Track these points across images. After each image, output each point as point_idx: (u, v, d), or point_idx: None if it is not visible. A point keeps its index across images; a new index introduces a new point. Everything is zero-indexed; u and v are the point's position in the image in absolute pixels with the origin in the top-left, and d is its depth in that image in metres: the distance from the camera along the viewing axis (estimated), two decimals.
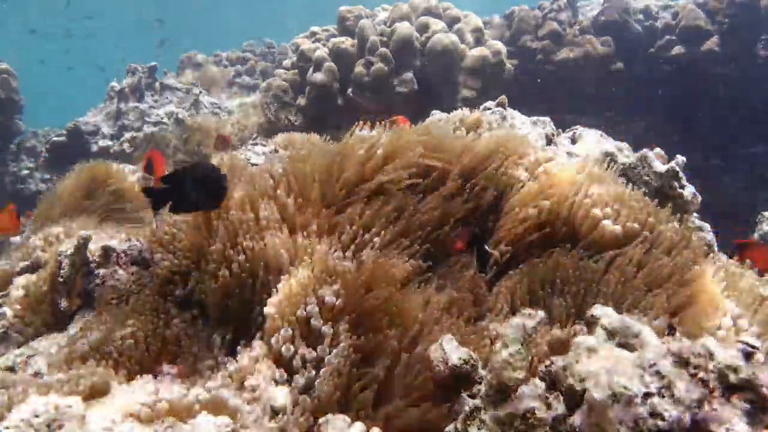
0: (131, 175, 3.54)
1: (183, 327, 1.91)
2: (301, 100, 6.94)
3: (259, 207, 2.02)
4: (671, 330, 1.43)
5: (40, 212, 3.33)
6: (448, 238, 2.10)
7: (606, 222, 1.99)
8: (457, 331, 1.77)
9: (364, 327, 1.71)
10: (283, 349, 1.65)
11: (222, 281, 1.87)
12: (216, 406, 1.53)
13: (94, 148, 8.06)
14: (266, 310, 1.76)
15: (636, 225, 1.96)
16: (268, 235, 1.93)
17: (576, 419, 1.18)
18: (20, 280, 2.52)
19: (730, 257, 2.32)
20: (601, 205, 2.02)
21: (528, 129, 3.25)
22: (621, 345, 1.28)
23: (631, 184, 2.84)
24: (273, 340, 1.68)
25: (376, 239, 1.97)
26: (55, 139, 8.28)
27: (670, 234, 1.96)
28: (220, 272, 1.88)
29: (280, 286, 1.79)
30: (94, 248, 2.33)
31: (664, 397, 1.11)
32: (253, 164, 2.78)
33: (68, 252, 2.33)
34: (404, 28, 6.56)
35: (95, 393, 1.55)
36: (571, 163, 2.35)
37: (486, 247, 2.06)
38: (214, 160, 2.31)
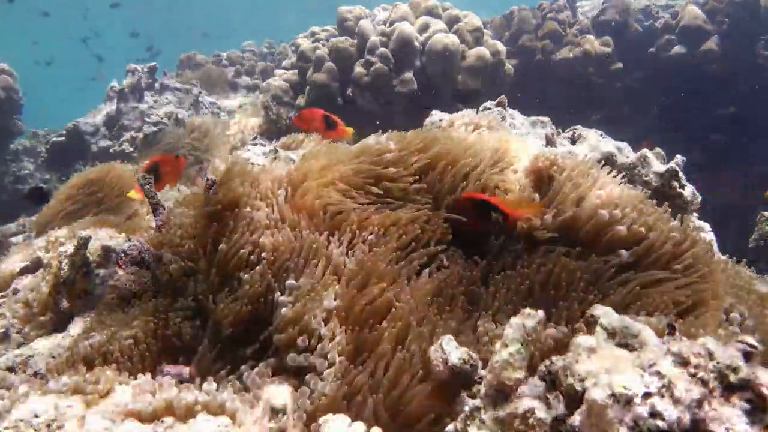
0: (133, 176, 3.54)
1: (188, 328, 1.91)
2: (301, 100, 6.94)
3: (260, 206, 2.02)
4: (671, 330, 1.43)
5: (43, 213, 3.34)
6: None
7: (612, 221, 1.98)
8: (458, 331, 1.77)
9: (360, 325, 1.72)
10: (289, 359, 1.68)
11: (247, 290, 1.87)
12: (216, 407, 1.53)
13: (94, 148, 8.06)
14: (281, 315, 1.77)
15: (642, 227, 1.95)
16: (268, 234, 1.94)
17: (576, 419, 1.18)
18: (21, 281, 2.52)
19: None
20: (607, 206, 2.01)
21: (527, 129, 3.25)
22: (621, 345, 1.29)
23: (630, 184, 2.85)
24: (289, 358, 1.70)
25: (371, 237, 1.97)
26: (55, 139, 8.28)
27: (674, 234, 1.95)
28: (238, 273, 1.89)
29: (288, 283, 1.80)
30: (94, 248, 2.33)
31: (664, 397, 1.11)
32: (253, 164, 2.78)
33: (68, 252, 2.34)
34: (404, 28, 6.56)
35: (98, 393, 1.55)
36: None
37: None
38: (217, 161, 2.31)
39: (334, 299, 1.77)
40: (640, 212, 1.98)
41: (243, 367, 1.78)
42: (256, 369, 1.73)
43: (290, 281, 1.81)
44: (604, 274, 1.89)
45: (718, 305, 1.76)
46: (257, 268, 1.87)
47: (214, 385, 1.63)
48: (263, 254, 1.89)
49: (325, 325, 1.72)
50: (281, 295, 1.81)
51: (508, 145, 2.30)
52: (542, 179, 2.18)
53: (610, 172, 2.19)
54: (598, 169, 2.19)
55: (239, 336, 1.86)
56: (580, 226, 2.02)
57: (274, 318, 1.79)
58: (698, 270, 1.86)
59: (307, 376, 1.63)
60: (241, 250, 1.91)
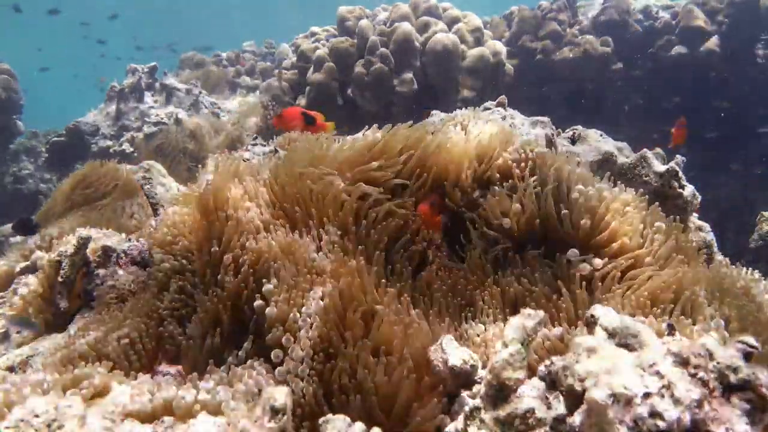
0: (132, 175, 3.54)
1: (179, 328, 1.91)
2: (301, 100, 6.94)
3: (249, 207, 2.04)
4: (671, 330, 1.43)
5: (41, 212, 3.33)
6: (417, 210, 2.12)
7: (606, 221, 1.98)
8: (443, 330, 1.77)
9: (342, 324, 1.72)
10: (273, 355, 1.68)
11: (230, 286, 1.88)
12: (215, 407, 1.53)
13: (94, 148, 8.06)
14: (267, 312, 1.77)
15: (627, 236, 1.94)
16: (255, 235, 1.95)
17: (576, 419, 1.18)
18: (21, 281, 2.52)
19: None
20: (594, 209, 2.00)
21: (527, 129, 3.25)
22: (621, 345, 1.29)
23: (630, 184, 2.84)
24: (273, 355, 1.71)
25: (335, 238, 1.98)
26: (55, 139, 8.28)
27: (662, 234, 1.93)
28: (223, 277, 1.89)
29: (269, 288, 1.81)
30: (94, 248, 2.33)
31: (663, 397, 1.11)
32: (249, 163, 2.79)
33: (68, 252, 2.34)
34: (404, 28, 6.56)
35: (96, 393, 1.55)
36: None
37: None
38: (211, 160, 2.32)
39: (318, 298, 1.77)
40: (625, 216, 1.97)
41: (235, 362, 1.79)
42: (256, 369, 1.73)
43: (267, 286, 1.81)
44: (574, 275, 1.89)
45: (698, 307, 1.72)
46: (243, 269, 1.90)
47: (212, 383, 1.63)
48: (246, 257, 1.92)
49: (309, 323, 1.72)
50: (262, 297, 1.82)
51: (493, 142, 2.30)
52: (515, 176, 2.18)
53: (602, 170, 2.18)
54: (575, 165, 2.17)
55: (231, 335, 1.88)
56: (564, 229, 2.01)
57: (265, 318, 1.81)
58: (685, 270, 1.83)
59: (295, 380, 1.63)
60: (227, 254, 1.93)
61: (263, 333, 1.78)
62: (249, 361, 1.75)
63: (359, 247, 1.96)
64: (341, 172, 2.16)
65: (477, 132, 2.37)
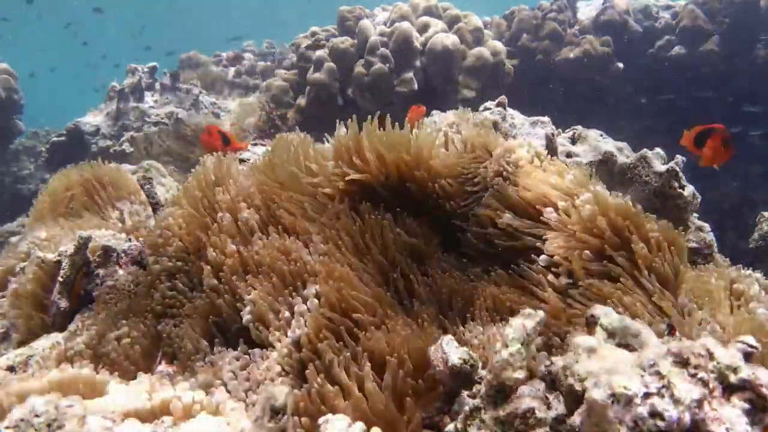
0: (128, 175, 3.52)
1: (175, 328, 1.92)
2: (301, 100, 6.94)
3: (240, 210, 2.06)
4: (671, 330, 1.43)
5: (33, 213, 3.31)
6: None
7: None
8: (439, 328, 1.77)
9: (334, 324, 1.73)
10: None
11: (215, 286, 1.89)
12: (215, 407, 1.53)
13: (94, 148, 8.06)
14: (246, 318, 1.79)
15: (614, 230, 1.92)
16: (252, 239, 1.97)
17: (576, 419, 1.18)
18: (14, 282, 2.54)
19: None
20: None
21: (527, 129, 3.25)
22: (621, 345, 1.29)
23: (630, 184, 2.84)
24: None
25: (322, 246, 1.98)
26: (55, 139, 8.27)
27: (652, 236, 1.90)
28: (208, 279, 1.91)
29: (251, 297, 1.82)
30: (94, 247, 2.33)
31: (664, 397, 1.11)
32: (244, 162, 2.80)
33: (69, 252, 2.34)
34: (404, 28, 6.56)
35: (91, 392, 1.55)
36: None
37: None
38: (202, 163, 2.33)
39: (312, 296, 1.77)
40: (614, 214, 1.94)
41: (230, 361, 1.79)
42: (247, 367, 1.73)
43: (251, 295, 1.82)
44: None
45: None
46: (225, 271, 1.91)
47: (197, 381, 1.63)
48: (229, 260, 1.93)
49: (303, 321, 1.73)
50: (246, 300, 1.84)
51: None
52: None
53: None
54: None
55: (226, 335, 1.88)
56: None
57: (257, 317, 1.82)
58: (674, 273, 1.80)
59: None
60: (221, 255, 1.94)
61: (254, 332, 1.79)
62: (239, 358, 1.76)
63: (349, 250, 1.96)
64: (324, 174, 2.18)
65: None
